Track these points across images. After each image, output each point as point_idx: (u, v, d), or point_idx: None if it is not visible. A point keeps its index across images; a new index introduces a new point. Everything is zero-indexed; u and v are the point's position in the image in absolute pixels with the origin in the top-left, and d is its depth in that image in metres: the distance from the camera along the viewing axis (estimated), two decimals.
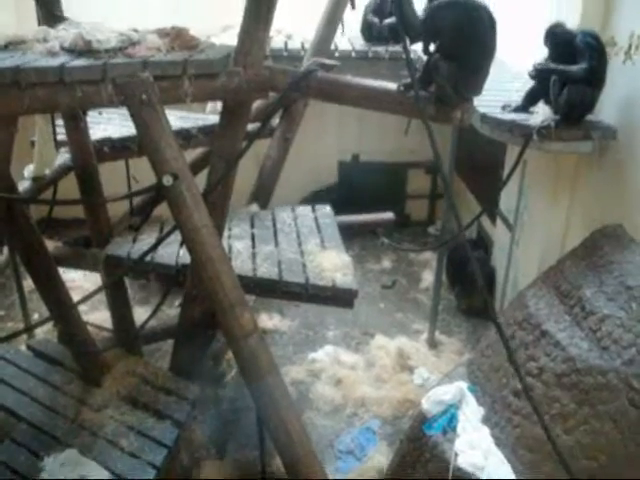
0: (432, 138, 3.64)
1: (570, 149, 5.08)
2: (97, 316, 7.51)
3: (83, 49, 3.82)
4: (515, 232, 7.03)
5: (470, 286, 8.12)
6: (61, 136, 5.68)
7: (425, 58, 3.85)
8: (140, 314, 6.74)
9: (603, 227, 4.78)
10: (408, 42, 3.66)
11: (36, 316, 7.73)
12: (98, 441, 4.98)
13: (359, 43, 8.29)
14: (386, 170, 10.52)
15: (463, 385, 4.87)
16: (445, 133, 6.85)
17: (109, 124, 6.30)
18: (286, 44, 8.21)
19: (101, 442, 4.98)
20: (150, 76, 3.56)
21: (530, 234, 6.66)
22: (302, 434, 3.53)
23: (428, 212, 10.99)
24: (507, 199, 7.37)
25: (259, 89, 3.86)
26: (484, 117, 5.17)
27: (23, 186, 5.30)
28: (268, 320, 8.11)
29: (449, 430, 4.67)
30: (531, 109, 5.14)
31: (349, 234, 6.45)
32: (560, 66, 4.82)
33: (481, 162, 8.91)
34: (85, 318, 5.63)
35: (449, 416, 4.75)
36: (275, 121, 6.54)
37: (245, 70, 3.79)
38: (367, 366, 7.31)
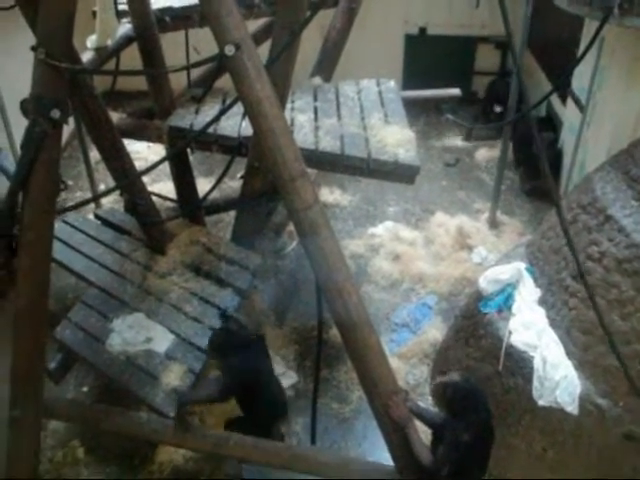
0: (504, 9, 3.45)
1: None
2: (161, 187, 7.69)
3: None
4: (586, 113, 6.77)
5: (535, 167, 7.95)
6: (122, 6, 5.60)
7: None
8: (203, 185, 6.86)
9: None
10: None
11: (102, 186, 7.96)
12: (163, 306, 5.23)
13: None
14: (454, 44, 10.15)
15: (521, 265, 4.86)
16: (518, 5, 6.51)
17: None
18: None
19: (166, 307, 5.22)
20: None
21: (602, 115, 6.41)
22: (358, 304, 3.59)
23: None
24: (580, 78, 7.07)
25: None
26: None
27: (86, 57, 5.29)
28: (329, 194, 8.16)
29: (504, 309, 4.73)
30: None
31: (413, 109, 6.32)
32: None
33: (554, 37, 8.50)
34: (149, 189, 5.76)
35: (505, 295, 4.79)
36: None
37: None
38: (426, 243, 7.36)
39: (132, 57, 5.68)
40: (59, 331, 5.06)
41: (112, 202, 7.38)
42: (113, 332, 5.05)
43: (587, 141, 6.79)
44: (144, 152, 8.51)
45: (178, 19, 5.85)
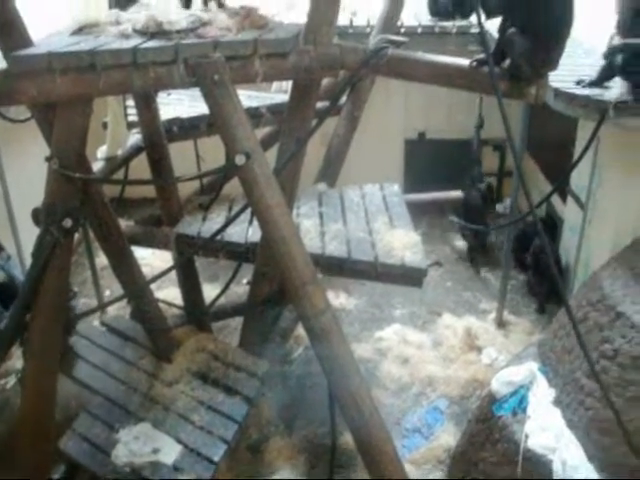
0: (504, 115, 3.56)
1: None
2: (166, 293, 7.65)
3: (155, 31, 3.86)
4: (587, 211, 6.84)
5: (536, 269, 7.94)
6: (132, 117, 5.78)
7: (497, 34, 3.76)
8: (208, 291, 6.84)
9: None
10: (482, 17, 3.56)
11: (107, 293, 7.94)
12: (170, 415, 5.11)
13: (425, 18, 8.16)
14: (453, 147, 10.37)
15: (534, 366, 4.81)
16: (513, 109, 6.70)
17: (178, 105, 6.38)
18: (351, 21, 8.15)
19: (173, 416, 5.11)
20: (222, 56, 3.58)
21: (603, 213, 6.48)
22: (374, 411, 3.55)
23: (496, 190, 10.79)
24: (578, 177, 7.18)
25: (330, 68, 3.83)
26: (558, 92, 5.01)
27: (97, 166, 5.42)
28: (335, 298, 8.12)
29: (519, 411, 4.64)
30: (606, 84, 4.97)
31: (416, 212, 6.40)
32: (628, 40, 4.62)
33: (551, 139, 8.71)
34: (155, 295, 5.76)
35: (519, 397, 4.71)
36: (342, 99, 6.50)
37: (315, 49, 3.77)
38: (434, 345, 7.29)
39: (140, 164, 5.81)
40: (63, 442, 4.95)
41: (118, 308, 7.34)
42: (119, 443, 4.92)
43: (590, 238, 6.83)
44: (149, 258, 8.52)
45: (186, 129, 6.03)
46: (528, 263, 8.01)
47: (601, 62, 4.96)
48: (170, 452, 4.84)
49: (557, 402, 4.57)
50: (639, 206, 5.79)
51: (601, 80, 4.95)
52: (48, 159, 3.62)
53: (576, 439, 4.27)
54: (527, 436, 4.42)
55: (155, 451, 4.85)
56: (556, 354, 4.79)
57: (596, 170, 6.53)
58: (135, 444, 4.90)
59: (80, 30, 4.04)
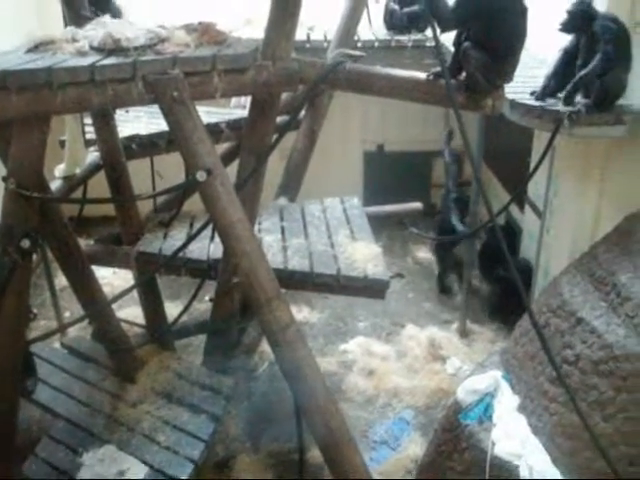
0: (462, 127, 3.62)
1: (601, 133, 5.02)
2: (128, 312, 7.55)
3: (112, 47, 3.84)
4: (545, 219, 6.96)
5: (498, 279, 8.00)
6: (90, 135, 5.73)
7: (453, 48, 3.83)
8: (171, 309, 6.77)
9: (637, 211, 4.72)
10: (438, 31, 3.62)
11: (67, 314, 7.80)
12: (135, 436, 5.04)
13: (381, 32, 8.24)
14: (411, 159, 10.48)
15: (498, 374, 4.85)
16: (470, 121, 6.80)
17: (137, 122, 6.34)
18: (308, 36, 8.19)
19: (138, 437, 5.03)
20: (180, 73, 3.57)
21: (561, 220, 6.60)
22: (341, 423, 3.55)
23: None
24: (535, 185, 7.31)
25: (288, 82, 3.85)
26: (513, 103, 5.11)
27: (55, 185, 5.36)
28: (297, 312, 8.09)
29: (485, 419, 4.67)
30: (560, 94, 5.08)
31: (376, 225, 6.44)
32: (581, 73, 4.74)
33: (507, 149, 8.84)
34: (117, 314, 5.69)
35: (485, 405, 4.74)
36: (301, 114, 6.53)
37: (274, 63, 3.79)
38: (398, 356, 7.31)
39: (99, 183, 5.74)
40: (26, 467, 4.85)
41: (78, 329, 7.22)
42: (83, 466, 4.83)
43: (549, 246, 6.94)
44: (110, 277, 8.42)
45: (145, 146, 5.99)
46: (500, 275, 7.99)
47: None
48: (136, 474, 4.77)
49: (522, 408, 4.61)
50: (595, 213, 5.90)
51: (554, 91, 5.07)
52: (5, 179, 3.57)
53: (541, 445, 4.32)
54: (494, 443, 4.45)
55: (121, 473, 4.77)
56: (519, 361, 4.84)
57: (552, 179, 6.66)
58: (100, 467, 4.82)
59: (36, 47, 3.99)
